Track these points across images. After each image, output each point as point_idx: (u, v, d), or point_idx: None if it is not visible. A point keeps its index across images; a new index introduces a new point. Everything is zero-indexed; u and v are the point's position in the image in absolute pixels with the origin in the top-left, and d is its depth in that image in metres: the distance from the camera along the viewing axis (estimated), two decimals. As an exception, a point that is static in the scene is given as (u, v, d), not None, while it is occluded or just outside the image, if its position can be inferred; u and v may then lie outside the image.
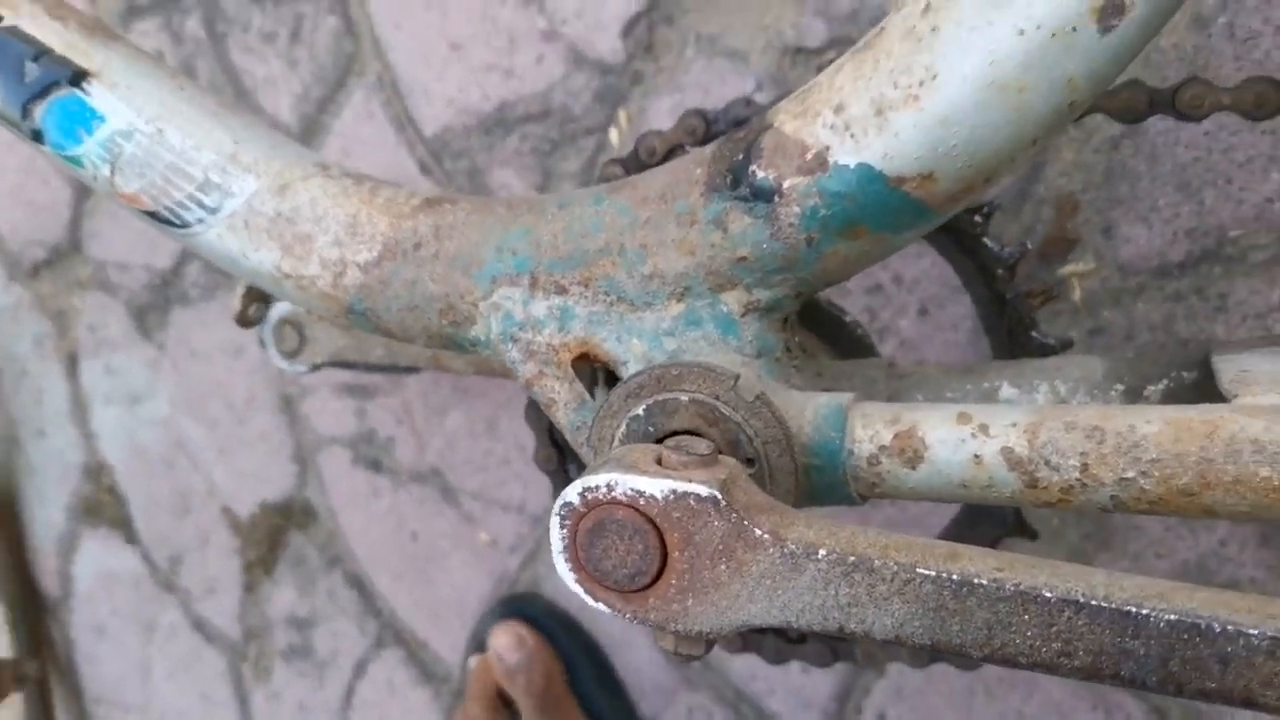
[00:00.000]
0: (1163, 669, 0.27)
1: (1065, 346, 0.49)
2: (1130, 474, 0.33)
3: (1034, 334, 0.48)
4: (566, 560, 0.33)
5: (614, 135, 0.85)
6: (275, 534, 1.15)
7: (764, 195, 0.40)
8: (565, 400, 0.44)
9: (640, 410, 0.40)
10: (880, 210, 0.39)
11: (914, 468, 0.37)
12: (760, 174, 0.40)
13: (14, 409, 1.42)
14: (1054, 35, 0.35)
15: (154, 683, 1.32)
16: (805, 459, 0.39)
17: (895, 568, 0.29)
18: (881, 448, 0.38)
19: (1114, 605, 0.27)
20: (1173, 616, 0.27)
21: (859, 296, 0.74)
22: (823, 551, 0.30)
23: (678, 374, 0.39)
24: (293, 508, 1.12)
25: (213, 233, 0.50)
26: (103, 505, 1.34)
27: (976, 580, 0.29)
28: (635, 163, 0.53)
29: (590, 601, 0.33)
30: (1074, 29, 0.35)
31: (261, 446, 1.12)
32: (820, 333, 0.52)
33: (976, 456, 0.36)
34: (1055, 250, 0.67)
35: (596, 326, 0.44)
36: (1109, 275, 0.65)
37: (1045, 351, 0.49)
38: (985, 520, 0.53)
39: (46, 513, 1.40)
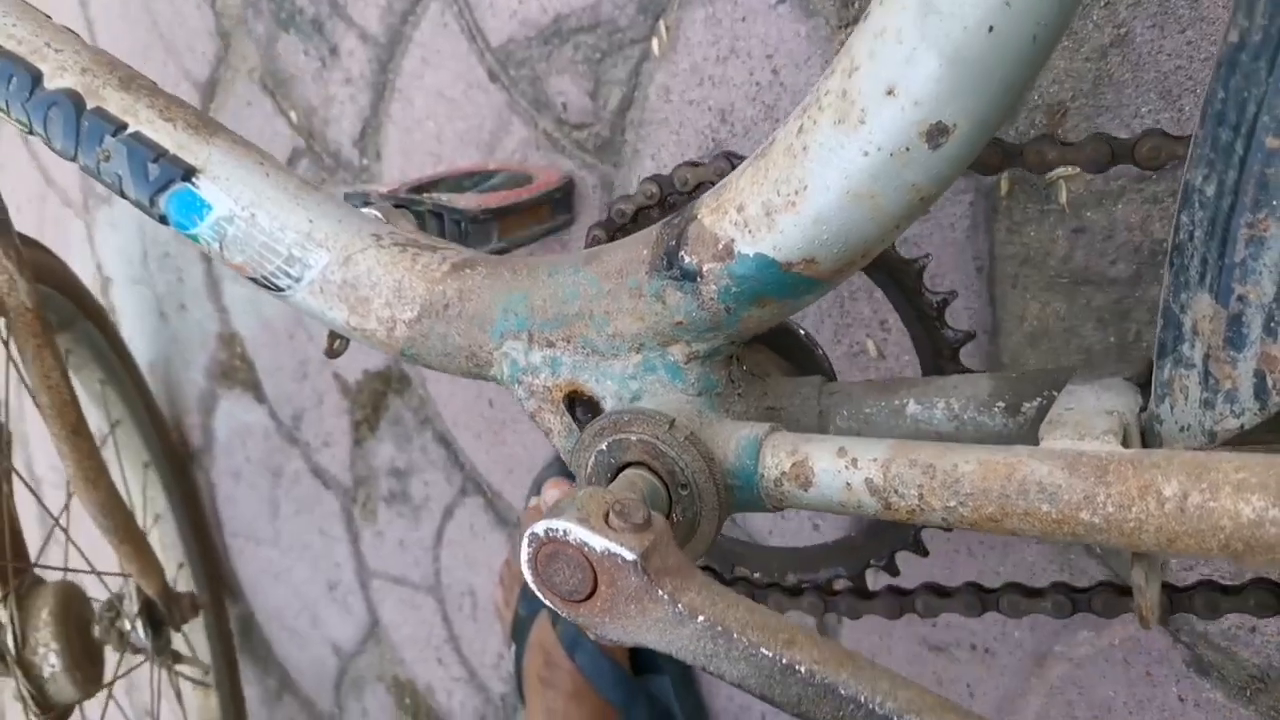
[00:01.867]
0: None
1: (970, 338, 0.58)
2: (953, 503, 0.43)
3: (943, 332, 0.57)
4: (530, 569, 0.45)
5: (655, 45, 0.92)
6: (377, 398, 1.34)
7: (690, 276, 0.50)
8: (559, 430, 0.56)
9: (603, 446, 0.51)
10: (778, 286, 0.48)
11: (806, 490, 0.48)
12: (687, 259, 0.50)
13: (158, 286, 1.64)
14: (893, 155, 0.43)
15: (281, 520, 1.58)
16: (728, 481, 0.50)
17: (745, 643, 0.43)
18: (783, 474, 0.48)
19: (879, 710, 0.40)
20: None
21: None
22: (701, 618, 0.43)
23: (628, 419, 0.50)
24: (390, 376, 1.31)
25: (299, 295, 0.63)
26: (236, 370, 1.58)
27: (797, 666, 0.42)
28: (614, 226, 0.63)
29: (540, 595, 0.45)
30: (908, 149, 0.43)
31: None
32: (777, 348, 0.61)
33: (848, 484, 0.46)
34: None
35: (579, 372, 0.55)
36: (1093, 179, 0.70)
37: (955, 344, 0.57)
38: (889, 532, 0.63)
39: (190, 375, 1.67)
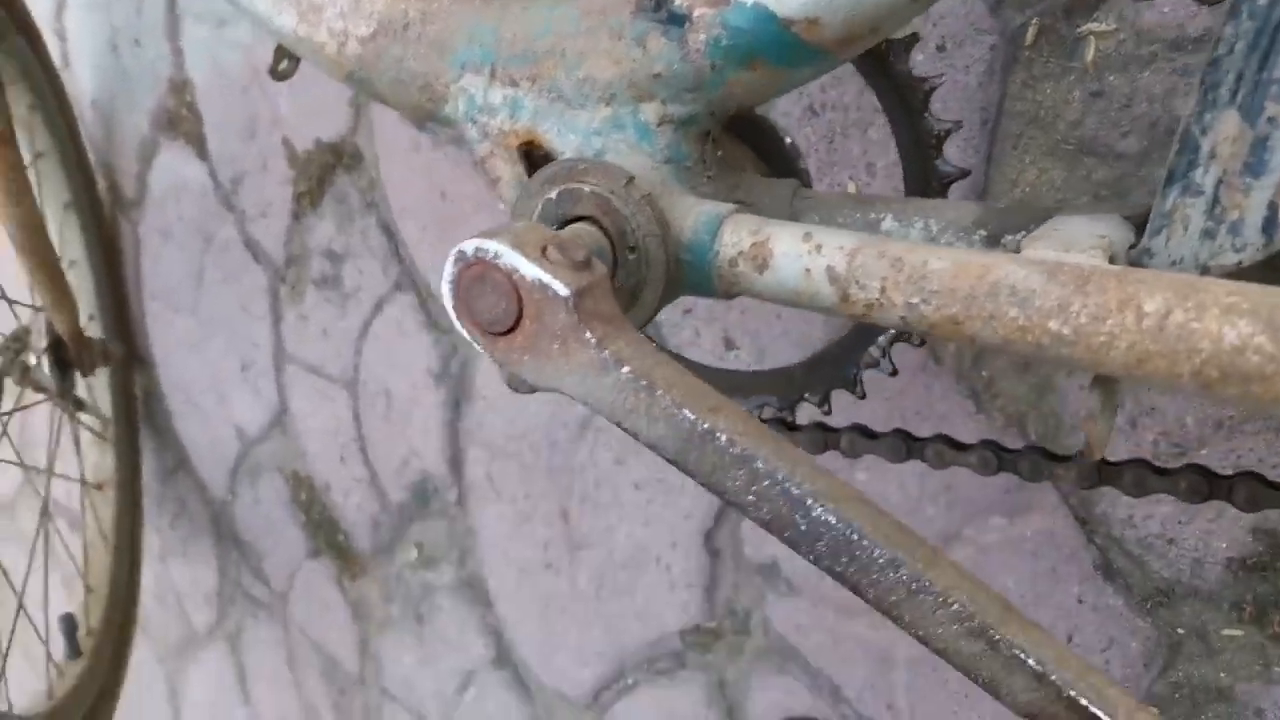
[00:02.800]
0: (813, 547, 0.38)
1: (964, 174, 0.54)
2: (915, 300, 0.40)
3: (937, 163, 0.54)
4: (450, 290, 0.42)
5: None
6: (325, 171, 1.28)
7: (677, 21, 0.45)
8: (508, 179, 0.52)
9: (553, 195, 0.47)
10: (774, 47, 0.44)
11: (761, 273, 0.45)
12: (677, 1, 0.45)
13: (115, 16, 1.54)
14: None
15: (205, 288, 1.54)
16: (680, 254, 0.47)
17: (668, 401, 0.40)
18: (740, 253, 0.45)
19: (796, 491, 0.38)
20: (831, 518, 0.38)
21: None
22: (626, 368, 0.40)
23: (584, 169, 0.46)
24: (343, 149, 1.25)
25: (246, -10, 0.56)
26: (181, 119, 1.49)
27: (717, 434, 0.39)
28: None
29: (457, 325, 0.42)
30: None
31: (327, 85, 1.21)
32: (758, 148, 0.57)
33: (807, 270, 0.43)
34: (1081, 4, 0.67)
35: (541, 119, 0.51)
36: (1125, 40, 0.66)
37: (946, 178, 0.54)
38: (828, 369, 0.60)
39: (133, 119, 1.57)
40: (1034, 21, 0.67)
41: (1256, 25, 0.35)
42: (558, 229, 0.49)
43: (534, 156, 0.55)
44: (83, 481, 1.51)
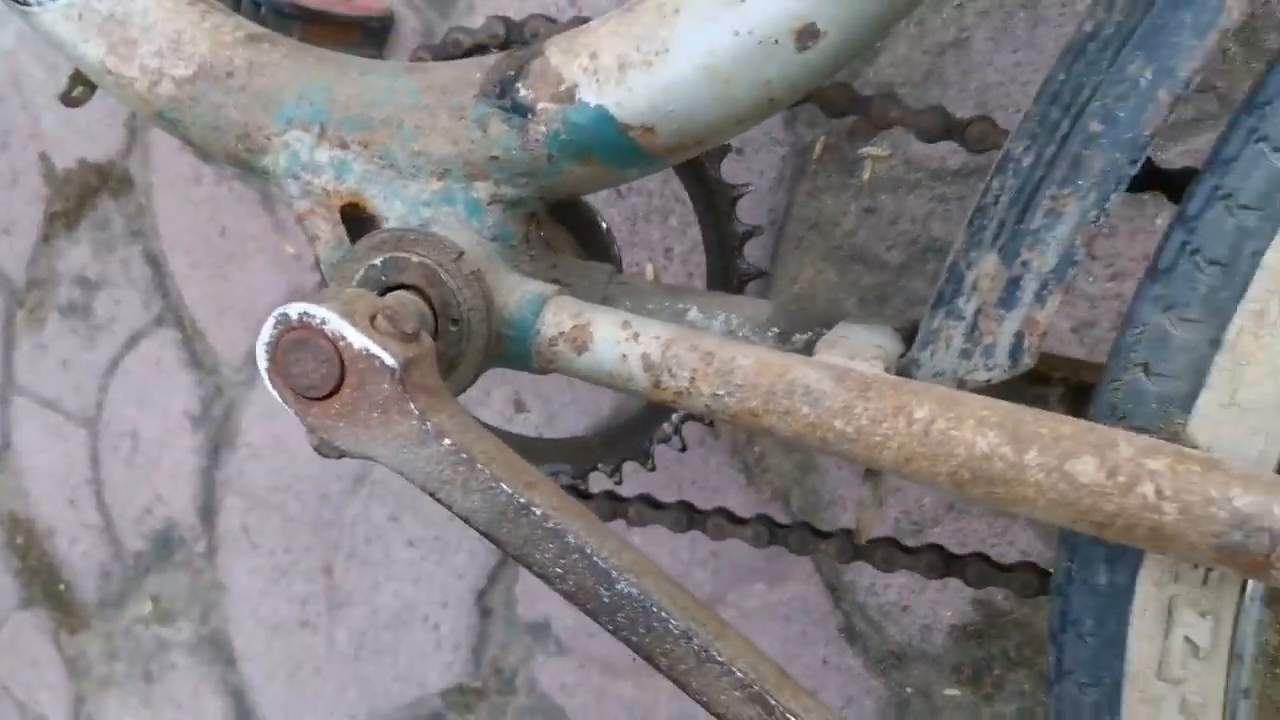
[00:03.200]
0: (613, 618, 0.41)
1: (761, 274, 0.60)
2: (721, 392, 0.45)
3: (739, 262, 0.59)
4: (266, 354, 0.42)
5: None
6: (87, 193, 1.19)
7: (521, 111, 0.48)
8: (327, 239, 0.52)
9: (378, 261, 0.48)
10: (608, 147, 0.48)
11: (579, 354, 0.48)
12: (523, 92, 0.48)
13: None
14: (760, 42, 0.44)
15: None
16: (502, 329, 0.49)
17: (486, 475, 0.42)
18: (561, 334, 0.48)
19: (600, 563, 0.41)
20: (633, 590, 0.41)
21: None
22: (447, 441, 0.42)
23: (414, 239, 0.48)
24: (112, 172, 1.17)
25: (49, 17, 0.54)
26: None
27: (533, 508, 0.42)
28: (443, 53, 0.60)
29: (269, 387, 0.42)
30: (776, 41, 0.44)
31: (99, 106, 1.12)
32: (575, 231, 0.61)
33: (624, 355, 0.47)
34: (863, 128, 0.74)
35: (368, 183, 0.52)
36: (896, 165, 0.75)
37: (745, 276, 0.60)
38: (622, 441, 0.65)
39: None
40: (821, 139, 0.75)
41: (1019, 183, 0.43)
42: (379, 295, 0.50)
43: (354, 220, 0.55)
44: None
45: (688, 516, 0.65)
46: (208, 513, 1.18)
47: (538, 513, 0.42)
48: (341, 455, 0.45)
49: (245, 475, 1.14)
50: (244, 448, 1.13)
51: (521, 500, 0.42)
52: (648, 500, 0.66)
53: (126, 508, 1.24)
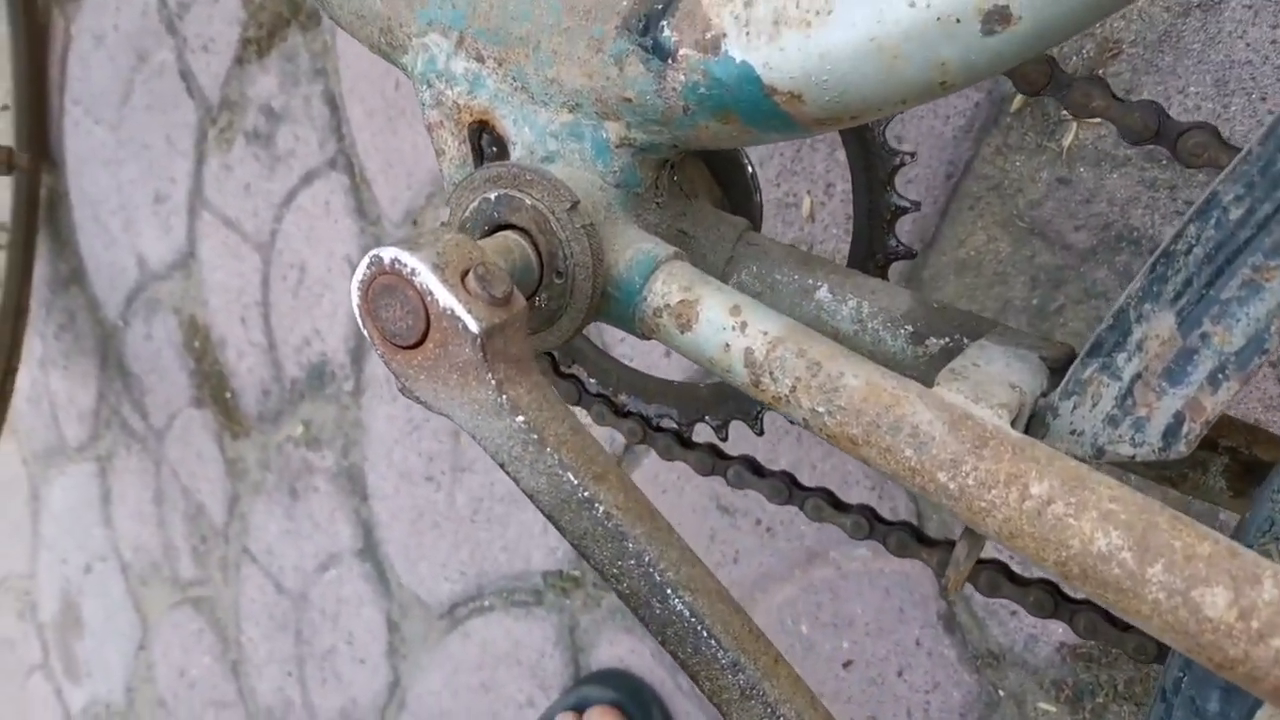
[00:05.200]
0: (662, 631, 0.39)
1: (910, 255, 0.54)
2: (821, 410, 0.40)
3: (888, 238, 0.53)
4: (359, 293, 0.40)
5: None
6: (278, 23, 1.21)
7: (661, 53, 0.43)
8: (452, 156, 0.50)
9: (493, 195, 0.46)
10: (750, 109, 0.43)
11: (682, 332, 0.44)
12: (666, 32, 0.43)
13: None
14: (940, 19, 0.37)
15: (130, 108, 1.45)
16: (608, 288, 0.46)
17: (554, 460, 0.40)
18: (667, 306, 0.44)
19: (656, 575, 0.39)
20: (685, 610, 0.39)
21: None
22: (521, 418, 0.40)
23: (531, 179, 0.45)
24: (303, 4, 1.18)
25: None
26: None
27: (596, 504, 0.39)
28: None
29: (360, 324, 0.41)
30: (958, 20, 0.37)
31: None
32: (717, 171, 0.56)
33: (727, 345, 0.43)
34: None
35: (499, 103, 0.49)
36: (1106, 135, 0.66)
37: (893, 255, 0.54)
38: (736, 401, 0.61)
39: None
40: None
41: (1219, 238, 0.35)
42: (488, 232, 0.47)
43: (485, 135, 0.53)
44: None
45: (788, 489, 0.61)
46: (358, 355, 1.23)
47: (600, 510, 0.40)
48: (422, 403, 0.43)
49: (394, 327, 1.16)
50: (395, 302, 1.15)
51: (586, 494, 0.40)
52: (749, 463, 0.63)
53: (289, 334, 1.30)
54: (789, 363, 0.42)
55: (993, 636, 0.74)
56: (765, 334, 0.43)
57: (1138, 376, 0.38)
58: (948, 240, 0.71)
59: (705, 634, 0.39)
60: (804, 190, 0.77)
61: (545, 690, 1.10)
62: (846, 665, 0.83)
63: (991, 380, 0.42)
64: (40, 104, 1.55)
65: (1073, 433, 0.41)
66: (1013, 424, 0.41)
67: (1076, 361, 0.41)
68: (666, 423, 0.65)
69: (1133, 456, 0.38)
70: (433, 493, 1.17)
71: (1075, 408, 0.40)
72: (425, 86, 0.51)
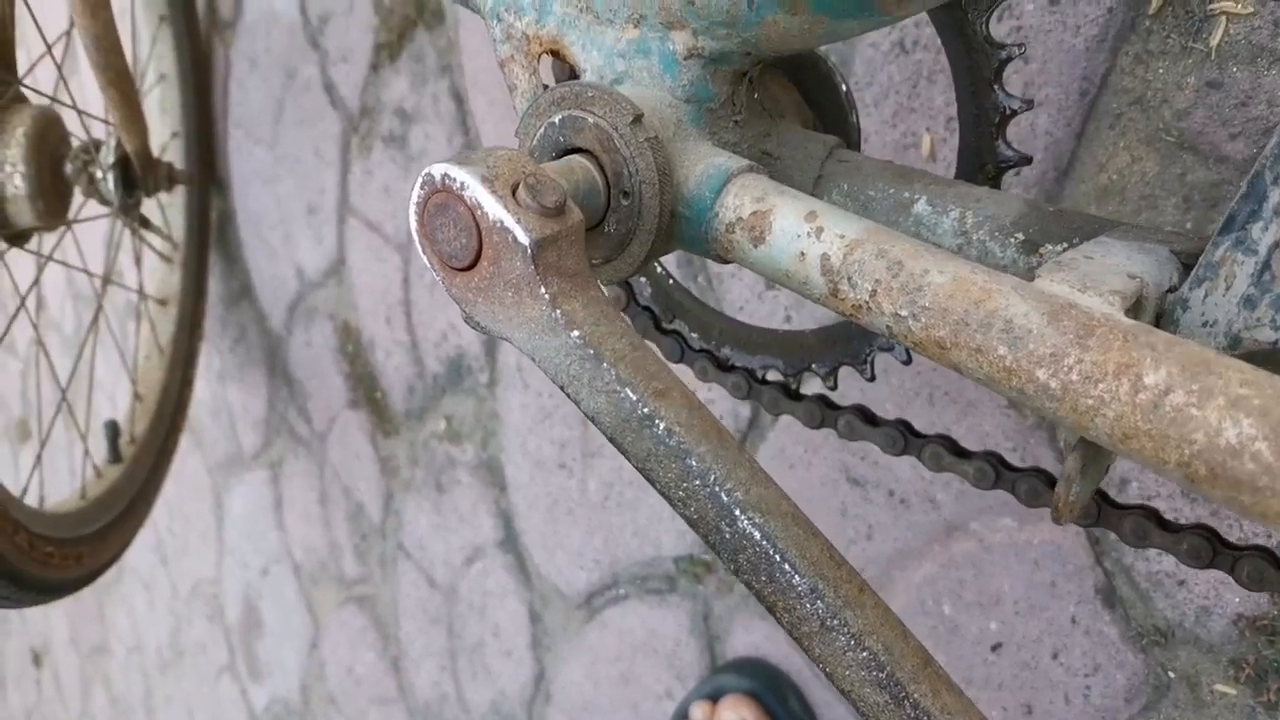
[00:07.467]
0: (734, 559, 0.36)
1: (1024, 161, 0.49)
2: (904, 312, 0.36)
3: (997, 144, 0.48)
4: (416, 215, 0.39)
5: None
6: (407, 25, 1.25)
7: (720, -54, 0.40)
8: (524, 90, 0.49)
9: (556, 119, 0.44)
10: (819, -9, 0.39)
11: (755, 246, 0.41)
12: (724, -77, 0.40)
13: None
14: None
15: (283, 125, 1.54)
16: (678, 207, 0.43)
17: (612, 376, 0.37)
18: (740, 219, 0.41)
19: (723, 495, 0.35)
20: (755, 532, 0.35)
21: None
22: (576, 333, 0.37)
23: (592, 96, 0.43)
24: (426, 4, 1.21)
25: None
26: None
27: (656, 421, 0.36)
28: None
29: (420, 251, 0.40)
30: None
31: None
32: (808, 92, 0.53)
33: (802, 253, 0.39)
34: None
35: (567, 28, 0.47)
36: (1260, 27, 0.58)
37: (1004, 163, 0.49)
38: (843, 345, 0.56)
39: None
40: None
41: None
42: (555, 158, 0.45)
43: (558, 65, 0.51)
44: (141, 294, 1.55)
45: (904, 439, 0.56)
46: (490, 347, 1.24)
47: (660, 427, 0.37)
48: (485, 331, 0.42)
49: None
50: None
51: (645, 410, 0.37)
52: (862, 413, 0.58)
53: (428, 331, 1.34)
54: (868, 265, 0.38)
55: (1159, 611, 0.66)
56: (842, 237, 0.39)
57: (1277, 245, 0.32)
58: (1086, 165, 0.64)
59: (779, 558, 0.35)
60: (923, 128, 0.72)
61: (682, 680, 1.07)
62: (995, 649, 0.76)
63: (1105, 270, 0.36)
64: (206, 129, 1.66)
65: (1204, 324, 0.35)
66: (1131, 314, 0.36)
67: (1209, 243, 0.35)
68: (772, 374, 0.61)
69: (1275, 342, 0.32)
70: (565, 480, 1.17)
71: (1207, 295, 0.35)
72: (495, 21, 0.50)
